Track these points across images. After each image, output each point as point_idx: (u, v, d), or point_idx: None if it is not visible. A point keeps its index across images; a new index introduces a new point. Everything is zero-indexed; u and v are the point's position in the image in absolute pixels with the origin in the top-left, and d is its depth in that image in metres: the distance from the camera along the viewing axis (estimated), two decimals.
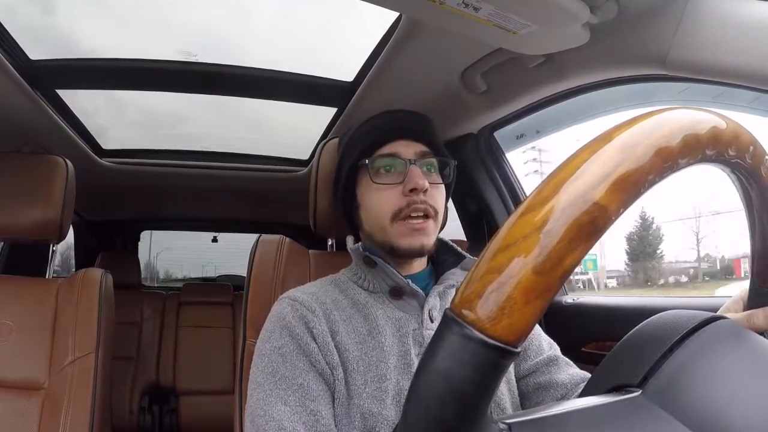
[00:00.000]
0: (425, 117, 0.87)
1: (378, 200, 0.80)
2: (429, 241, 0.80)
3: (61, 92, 1.51)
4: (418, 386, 0.28)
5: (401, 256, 0.81)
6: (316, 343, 0.72)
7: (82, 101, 1.64)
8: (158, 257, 4.33)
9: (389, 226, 0.79)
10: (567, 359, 0.86)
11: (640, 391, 0.33)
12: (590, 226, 0.27)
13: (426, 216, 0.79)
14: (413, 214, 0.78)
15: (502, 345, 0.26)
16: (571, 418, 0.31)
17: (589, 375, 0.82)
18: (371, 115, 0.89)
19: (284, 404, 0.67)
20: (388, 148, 0.81)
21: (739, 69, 0.77)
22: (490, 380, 0.27)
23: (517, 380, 0.84)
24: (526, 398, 0.84)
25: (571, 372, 0.83)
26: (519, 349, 0.27)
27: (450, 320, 0.27)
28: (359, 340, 0.75)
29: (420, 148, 0.82)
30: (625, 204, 0.28)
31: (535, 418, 0.31)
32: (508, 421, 0.30)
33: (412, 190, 0.77)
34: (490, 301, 0.26)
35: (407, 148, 0.81)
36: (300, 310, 0.75)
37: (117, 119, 1.87)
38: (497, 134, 1.55)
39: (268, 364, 0.72)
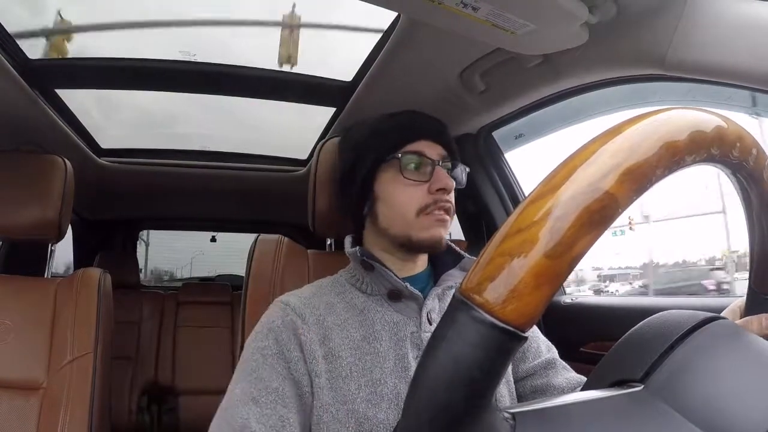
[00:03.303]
0: (443, 122, 0.89)
1: (406, 195, 0.81)
2: (446, 234, 0.82)
3: (59, 91, 1.51)
4: (424, 372, 0.28)
5: (419, 249, 0.83)
6: (301, 351, 0.72)
7: (80, 100, 1.64)
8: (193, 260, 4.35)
9: (414, 220, 0.80)
10: (564, 363, 0.87)
11: (643, 386, 0.33)
12: (600, 214, 0.27)
13: (446, 212, 0.81)
14: (437, 212, 0.80)
15: (511, 328, 0.26)
16: (575, 409, 0.32)
17: (585, 378, 0.82)
18: (371, 114, 0.89)
19: (256, 404, 0.67)
20: (415, 146, 0.83)
21: (739, 69, 0.77)
22: (497, 365, 0.27)
23: (515, 382, 0.84)
24: (522, 401, 0.84)
25: (568, 376, 0.84)
26: (527, 334, 0.27)
27: (459, 303, 0.28)
28: (353, 346, 0.74)
29: (442, 150, 0.84)
30: (635, 194, 0.28)
31: (538, 409, 0.31)
32: (512, 410, 0.30)
33: (439, 190, 0.80)
34: (500, 284, 0.27)
35: (432, 149, 0.83)
36: (290, 315, 0.75)
37: (115, 118, 1.87)
38: (496, 134, 1.55)
39: (249, 362, 0.72)
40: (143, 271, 4.31)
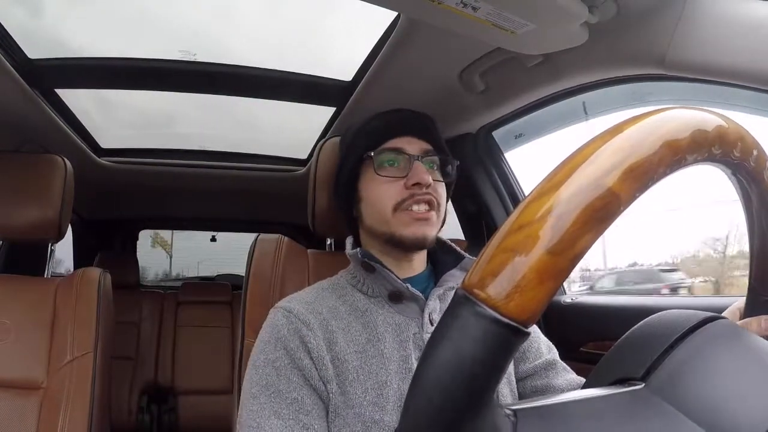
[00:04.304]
0: (430, 117, 0.88)
1: (381, 192, 0.81)
2: (432, 232, 0.80)
3: (59, 91, 1.51)
4: (427, 366, 0.28)
5: (404, 247, 0.81)
6: (311, 358, 0.72)
7: (80, 100, 1.64)
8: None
9: (391, 217, 0.79)
10: (565, 364, 0.87)
11: (643, 384, 0.33)
12: (602, 212, 0.27)
13: (429, 206, 0.80)
14: (415, 206, 0.79)
15: (514, 323, 0.26)
16: (576, 407, 0.32)
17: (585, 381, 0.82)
18: (371, 114, 0.89)
19: (278, 418, 0.67)
20: (393, 143, 0.82)
21: (738, 69, 0.77)
22: (499, 360, 0.27)
23: (515, 382, 0.84)
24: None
25: (569, 378, 0.84)
26: (529, 330, 0.27)
27: (462, 298, 0.28)
28: (358, 349, 0.74)
29: (424, 145, 0.83)
30: (637, 192, 0.28)
31: (539, 406, 0.31)
32: (513, 407, 0.30)
33: (415, 185, 0.78)
34: (503, 280, 0.27)
35: (412, 145, 0.83)
36: (295, 324, 0.74)
37: (116, 118, 1.87)
38: (496, 134, 1.55)
39: (263, 376, 0.71)
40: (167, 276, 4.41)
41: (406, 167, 0.81)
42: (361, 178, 0.85)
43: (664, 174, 0.29)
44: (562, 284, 0.28)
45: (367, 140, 0.84)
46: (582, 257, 0.27)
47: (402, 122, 0.85)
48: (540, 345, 0.87)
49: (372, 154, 0.82)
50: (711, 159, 0.32)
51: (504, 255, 0.27)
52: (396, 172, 0.81)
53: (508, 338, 0.27)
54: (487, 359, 0.27)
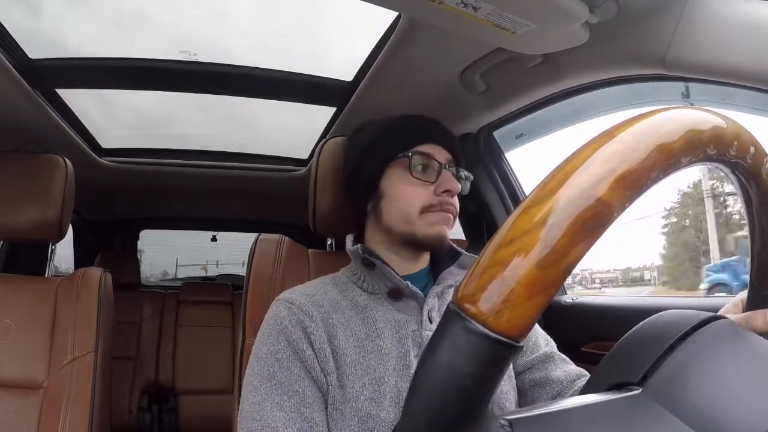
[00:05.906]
0: (449, 128, 0.91)
1: (410, 193, 0.82)
2: (448, 233, 0.83)
3: (60, 91, 1.51)
4: (419, 381, 0.28)
5: (423, 246, 0.84)
6: (313, 350, 0.73)
7: (81, 100, 1.64)
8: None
9: (417, 218, 0.81)
10: (563, 356, 0.87)
11: (641, 389, 0.33)
12: (593, 222, 0.27)
13: (452, 215, 0.83)
14: (441, 213, 0.81)
15: (504, 339, 0.26)
16: (572, 414, 0.31)
17: (584, 371, 0.83)
18: (373, 115, 0.91)
19: (279, 410, 0.68)
20: (424, 148, 0.84)
21: (739, 69, 0.77)
22: (492, 375, 0.27)
23: (514, 377, 0.85)
24: (521, 395, 0.85)
25: (567, 369, 0.84)
26: (521, 344, 0.27)
27: (452, 314, 0.27)
28: (357, 344, 0.75)
29: (449, 155, 0.85)
30: (629, 200, 0.28)
31: (535, 415, 0.31)
32: (509, 417, 0.30)
33: (445, 191, 0.81)
34: (493, 295, 0.26)
35: (440, 153, 0.84)
36: (297, 314, 0.75)
37: (116, 118, 1.87)
38: (496, 134, 1.55)
39: (264, 368, 0.72)
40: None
41: (434, 174, 0.82)
42: (385, 176, 0.85)
43: (658, 178, 0.29)
44: (553, 296, 0.27)
45: (398, 140, 0.85)
46: (573, 268, 0.27)
47: (433, 129, 0.87)
48: (537, 338, 0.88)
49: (409, 154, 0.83)
50: (706, 159, 0.32)
51: (494, 270, 0.27)
52: (426, 176, 0.83)
53: (499, 353, 0.27)
54: (478, 374, 0.26)
